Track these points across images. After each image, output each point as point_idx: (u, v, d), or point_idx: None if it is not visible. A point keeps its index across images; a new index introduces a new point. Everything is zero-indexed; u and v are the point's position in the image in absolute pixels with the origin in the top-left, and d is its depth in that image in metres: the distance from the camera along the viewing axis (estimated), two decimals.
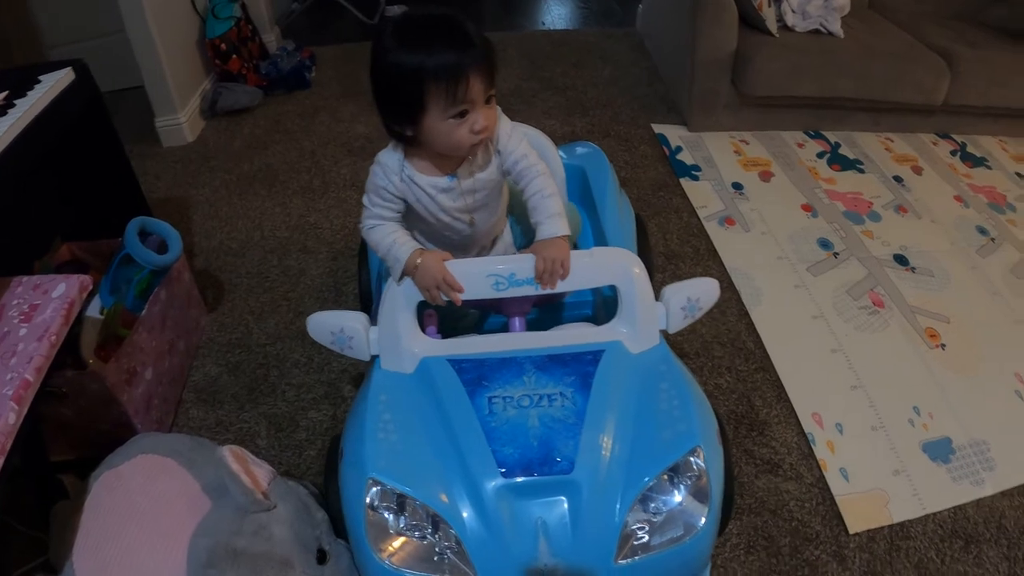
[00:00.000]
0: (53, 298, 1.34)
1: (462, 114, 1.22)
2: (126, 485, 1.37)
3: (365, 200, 1.39)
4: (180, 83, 3.02)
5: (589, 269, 1.36)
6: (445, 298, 1.33)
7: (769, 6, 2.91)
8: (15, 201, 1.79)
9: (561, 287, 1.33)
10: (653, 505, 1.20)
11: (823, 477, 1.75)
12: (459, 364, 1.33)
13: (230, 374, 2.02)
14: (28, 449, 1.48)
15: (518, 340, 1.39)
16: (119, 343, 1.70)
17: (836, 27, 2.98)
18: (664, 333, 1.43)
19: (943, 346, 2.13)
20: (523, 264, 1.32)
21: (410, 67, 1.18)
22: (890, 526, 1.66)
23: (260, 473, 1.35)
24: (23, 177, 1.70)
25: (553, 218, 1.33)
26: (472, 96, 1.20)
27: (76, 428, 1.66)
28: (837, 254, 2.48)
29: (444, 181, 1.34)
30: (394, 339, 1.36)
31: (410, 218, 1.44)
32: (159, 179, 2.86)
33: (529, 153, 1.36)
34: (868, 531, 1.65)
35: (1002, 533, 1.66)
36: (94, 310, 1.85)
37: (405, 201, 1.37)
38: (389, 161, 1.34)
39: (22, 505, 1.49)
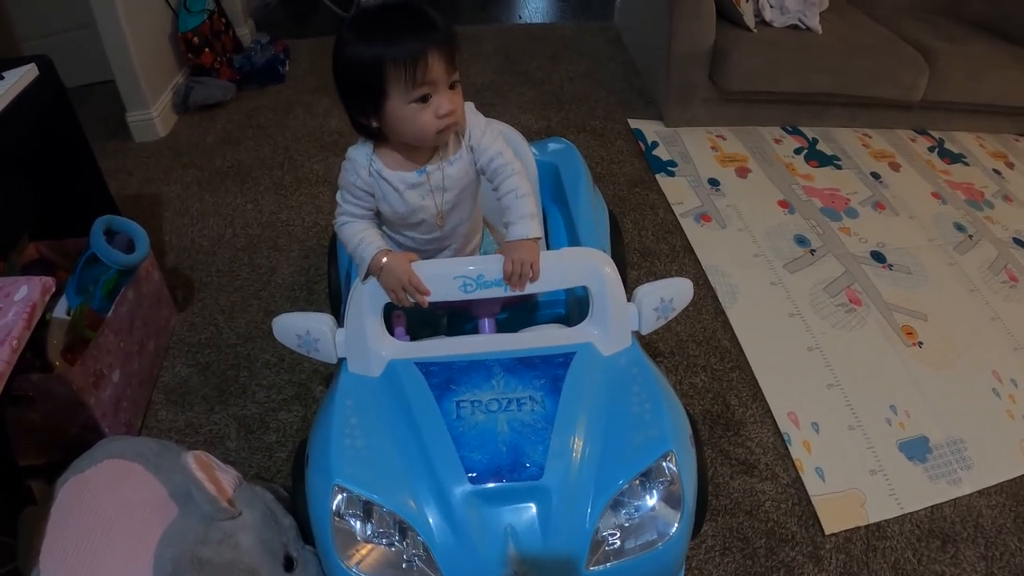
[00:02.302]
0: (15, 301, 1.31)
1: (425, 99, 1.20)
2: (92, 491, 1.34)
3: (338, 196, 1.37)
4: (151, 77, 2.97)
5: (559, 270, 1.33)
6: (412, 300, 1.30)
7: (747, 1, 2.89)
8: None
9: (531, 289, 1.31)
10: (625, 511, 1.18)
11: (799, 477, 1.74)
12: (427, 367, 1.30)
13: (200, 375, 1.99)
14: None
15: (487, 342, 1.37)
16: (86, 345, 1.67)
17: (814, 22, 2.97)
18: (637, 333, 1.41)
19: (920, 344, 2.13)
20: (491, 265, 1.30)
21: (369, 53, 1.17)
22: (866, 526, 1.65)
23: (226, 479, 1.32)
24: None
25: (525, 219, 1.30)
26: (432, 77, 1.18)
27: (44, 432, 1.64)
28: (814, 251, 2.47)
29: (413, 176, 1.31)
30: (361, 341, 1.33)
31: (380, 218, 1.41)
32: (131, 175, 2.82)
33: (504, 151, 1.34)
34: (844, 531, 1.64)
35: (979, 532, 1.65)
36: (61, 311, 1.82)
37: (375, 196, 1.34)
38: (357, 156, 1.32)
39: None
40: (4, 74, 1.71)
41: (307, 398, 1.91)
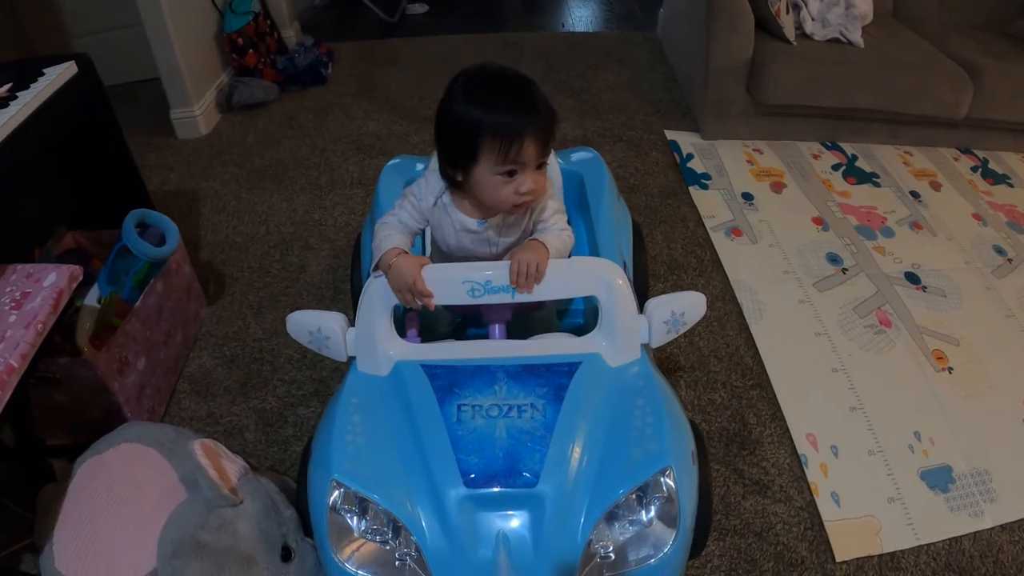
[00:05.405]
0: (44, 287, 1.37)
1: (511, 173, 1.24)
2: (108, 472, 1.39)
3: (398, 201, 1.42)
4: (196, 76, 3.04)
5: (568, 278, 1.33)
6: (418, 302, 1.31)
7: (787, 13, 2.86)
8: (16, 190, 1.82)
9: (539, 295, 1.31)
10: (619, 524, 1.17)
11: (813, 501, 1.71)
12: (432, 370, 1.31)
13: (224, 367, 2.03)
14: (20, 432, 1.52)
15: (494, 348, 1.37)
16: (113, 332, 1.71)
17: (856, 36, 2.92)
18: (653, 346, 1.40)
19: (950, 369, 2.07)
20: (500, 270, 1.30)
21: (471, 117, 1.22)
22: (880, 556, 1.61)
23: (231, 468, 1.36)
24: (24, 167, 1.72)
25: (543, 233, 1.36)
26: (523, 159, 1.23)
27: (69, 414, 1.69)
28: (846, 270, 2.43)
29: (473, 223, 1.37)
30: (369, 341, 1.35)
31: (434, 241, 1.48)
32: (172, 171, 2.89)
33: (560, 219, 1.41)
34: (856, 560, 1.59)
35: (998, 569, 1.60)
36: (92, 299, 1.87)
37: (428, 222, 1.41)
38: (434, 183, 1.37)
39: (17, 486, 1.55)
40: (45, 71, 1.78)
41: (326, 395, 1.93)
